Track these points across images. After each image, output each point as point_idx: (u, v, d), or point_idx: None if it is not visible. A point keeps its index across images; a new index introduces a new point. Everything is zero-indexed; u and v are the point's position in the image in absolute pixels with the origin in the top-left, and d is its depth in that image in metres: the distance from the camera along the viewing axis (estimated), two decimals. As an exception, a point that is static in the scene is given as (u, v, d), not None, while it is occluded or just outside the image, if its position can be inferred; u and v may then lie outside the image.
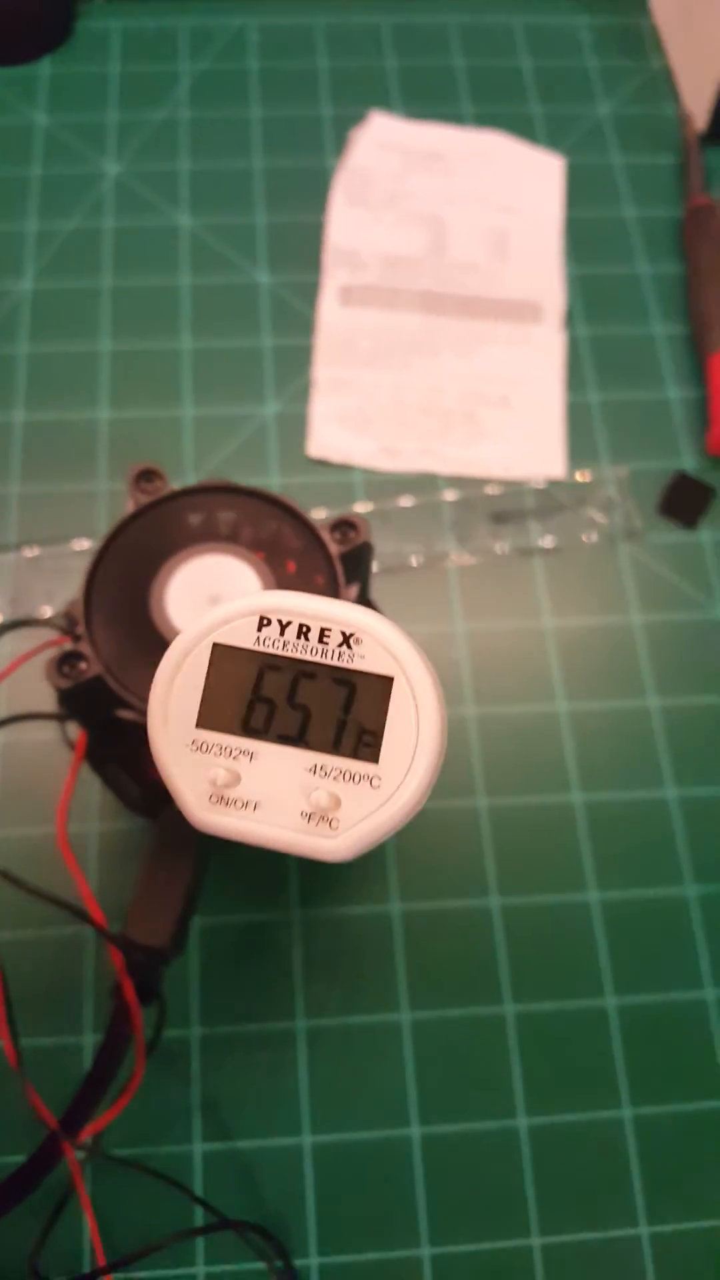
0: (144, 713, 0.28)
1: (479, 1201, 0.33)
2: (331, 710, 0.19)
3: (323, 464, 0.43)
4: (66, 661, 0.27)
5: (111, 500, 0.42)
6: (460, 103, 0.52)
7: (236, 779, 0.19)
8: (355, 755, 0.19)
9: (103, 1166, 0.33)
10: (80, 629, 0.28)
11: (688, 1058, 0.35)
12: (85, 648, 0.27)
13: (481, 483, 0.43)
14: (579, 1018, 0.35)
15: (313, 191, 0.49)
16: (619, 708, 0.40)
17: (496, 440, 0.44)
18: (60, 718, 0.32)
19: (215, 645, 0.20)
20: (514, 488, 0.43)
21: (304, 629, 0.19)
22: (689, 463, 0.44)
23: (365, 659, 0.19)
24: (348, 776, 0.19)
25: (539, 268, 0.48)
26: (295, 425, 0.44)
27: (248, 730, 0.20)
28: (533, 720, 0.39)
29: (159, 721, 0.20)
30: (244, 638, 0.20)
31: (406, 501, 0.42)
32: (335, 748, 0.19)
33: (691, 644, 0.41)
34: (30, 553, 0.40)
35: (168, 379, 0.45)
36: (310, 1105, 0.34)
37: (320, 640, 0.19)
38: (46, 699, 0.38)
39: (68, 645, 0.27)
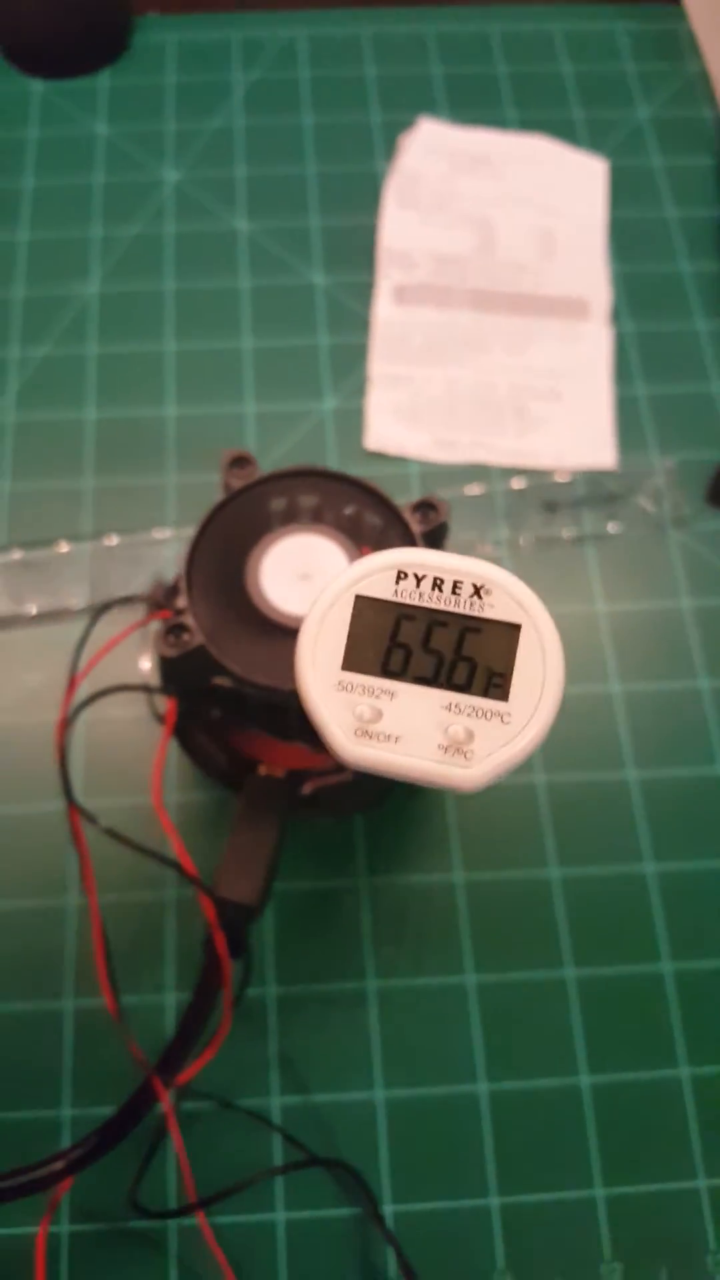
0: (241, 680, 0.31)
1: (544, 1154, 0.36)
2: (463, 654, 0.22)
3: (379, 456, 0.46)
4: (173, 632, 0.30)
5: (180, 492, 0.45)
6: (504, 108, 0.55)
7: (379, 715, 0.22)
8: (487, 694, 0.22)
9: (191, 1114, 0.36)
10: (183, 602, 0.31)
11: (742, 1019, 0.37)
12: (189, 619, 0.30)
13: (534, 473, 0.46)
14: (637, 982, 0.38)
15: (365, 195, 0.52)
16: (670, 689, 0.42)
17: (547, 432, 0.47)
18: (151, 690, 0.35)
19: (358, 597, 0.22)
20: (566, 477, 0.46)
21: (438, 581, 0.22)
22: (734, 453, 0.47)
23: (495, 608, 0.22)
24: (480, 713, 0.22)
25: (585, 266, 0.50)
26: (352, 420, 0.47)
27: (387, 672, 0.22)
28: (588, 701, 0.42)
29: (308, 664, 0.22)
30: (383, 589, 0.22)
31: (462, 491, 0.45)
32: (469, 688, 0.22)
33: (739, 626, 0.44)
34: (110, 541, 0.43)
35: (230, 377, 0.48)
36: (382, 1061, 0.37)
37: (453, 592, 0.22)
38: (131, 675, 0.41)
39: (171, 619, 0.30)
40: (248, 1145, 0.35)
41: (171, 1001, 0.37)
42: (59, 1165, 0.32)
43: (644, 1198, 0.35)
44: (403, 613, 0.22)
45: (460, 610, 0.22)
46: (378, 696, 0.22)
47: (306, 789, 0.36)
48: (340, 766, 0.36)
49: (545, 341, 0.49)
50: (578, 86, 0.56)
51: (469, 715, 0.22)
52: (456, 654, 0.22)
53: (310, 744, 0.34)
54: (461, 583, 0.22)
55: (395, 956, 0.38)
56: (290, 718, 0.33)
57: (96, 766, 0.40)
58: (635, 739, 0.41)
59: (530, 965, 0.38)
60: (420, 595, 0.22)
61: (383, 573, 0.23)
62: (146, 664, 0.41)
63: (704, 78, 0.56)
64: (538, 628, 0.22)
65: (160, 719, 0.36)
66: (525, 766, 0.41)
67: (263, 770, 0.36)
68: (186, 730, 0.37)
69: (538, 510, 0.45)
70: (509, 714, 0.22)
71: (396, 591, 0.22)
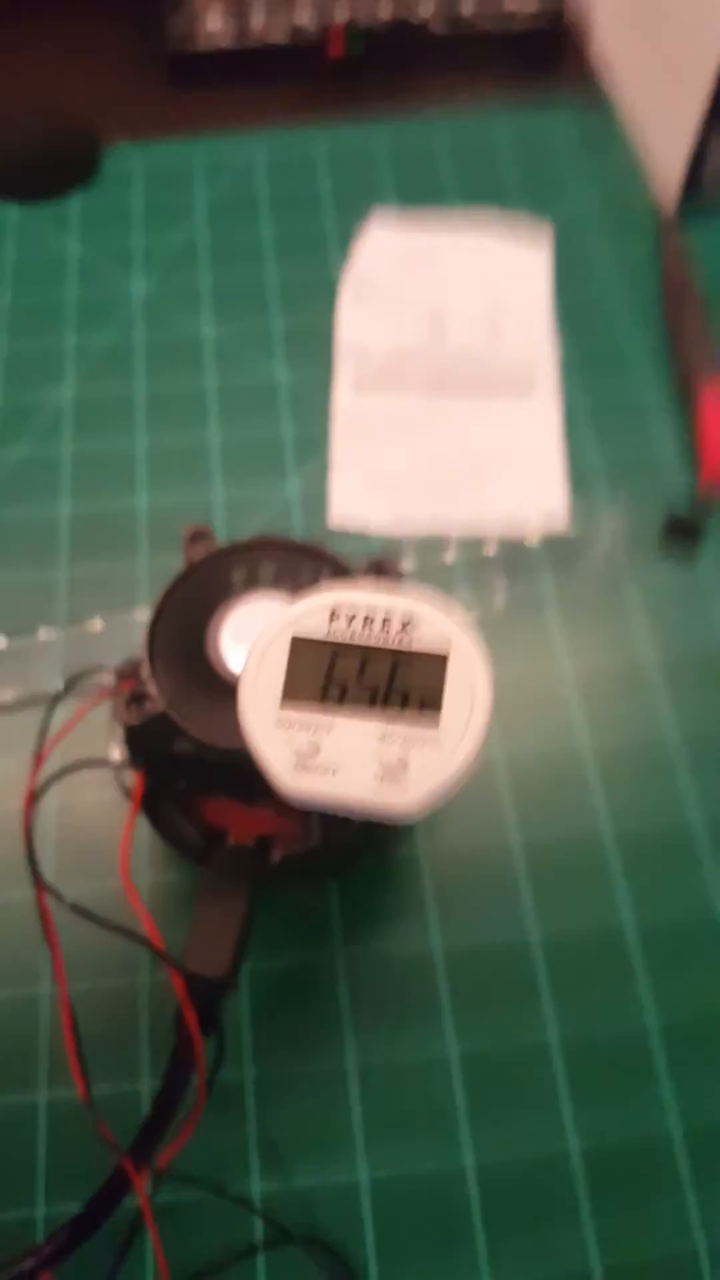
0: (202, 744, 0.32)
1: (535, 1231, 0.35)
2: (396, 685, 0.23)
3: (343, 533, 0.48)
4: (135, 701, 0.31)
5: (153, 576, 0.47)
6: (451, 203, 0.59)
7: (317, 749, 0.23)
8: (418, 723, 0.23)
9: (167, 1205, 0.35)
10: (145, 671, 0.32)
11: (735, 1076, 0.37)
12: (150, 688, 0.31)
13: (490, 540, 0.48)
14: (621, 1043, 0.37)
15: (322, 295, 0.56)
16: (639, 739, 0.43)
17: (502, 500, 0.48)
18: (118, 766, 0.35)
19: (294, 638, 0.24)
20: (521, 542, 0.47)
21: (368, 619, 0.24)
22: (681, 505, 0.48)
23: (422, 640, 0.24)
24: (413, 740, 0.23)
25: (531, 343, 0.53)
26: (316, 501, 0.49)
27: (324, 708, 0.24)
28: (557, 757, 0.43)
29: (248, 703, 0.24)
30: (317, 630, 0.24)
31: (423, 562, 0.47)
32: (401, 717, 0.23)
33: (705, 674, 0.44)
34: (94, 627, 0.45)
35: (199, 467, 0.50)
36: (365, 1140, 0.36)
37: (383, 627, 0.24)
38: (101, 756, 0.42)
39: (133, 689, 0.31)
40: (228, 1233, 0.35)
41: (147, 1089, 0.37)
42: (29, 1264, 0.32)
43: (638, 1267, 0.34)
44: (337, 650, 0.24)
45: (390, 645, 0.24)
46: (315, 731, 0.23)
47: (275, 856, 0.36)
48: (309, 832, 0.36)
49: (497, 415, 0.51)
50: (520, 177, 0.60)
51: (402, 743, 0.23)
52: (389, 686, 0.24)
53: (276, 807, 0.34)
54: (391, 618, 0.24)
55: (374, 1030, 0.38)
56: (254, 782, 0.33)
57: (66, 850, 0.41)
58: (608, 793, 0.42)
59: (513, 1029, 0.37)
60: (353, 633, 0.24)
61: (317, 613, 0.24)
62: (116, 754, 0.42)
63: (638, 166, 0.60)
64: (463, 655, 0.23)
65: (129, 795, 0.37)
66: (498, 826, 0.41)
67: (231, 840, 0.36)
68: (155, 806, 0.38)
69: (498, 574, 0.47)
70: (440, 739, 0.23)
71: (330, 631, 0.24)
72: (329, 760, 0.24)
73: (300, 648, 0.24)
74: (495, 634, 0.46)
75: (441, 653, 0.24)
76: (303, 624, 0.24)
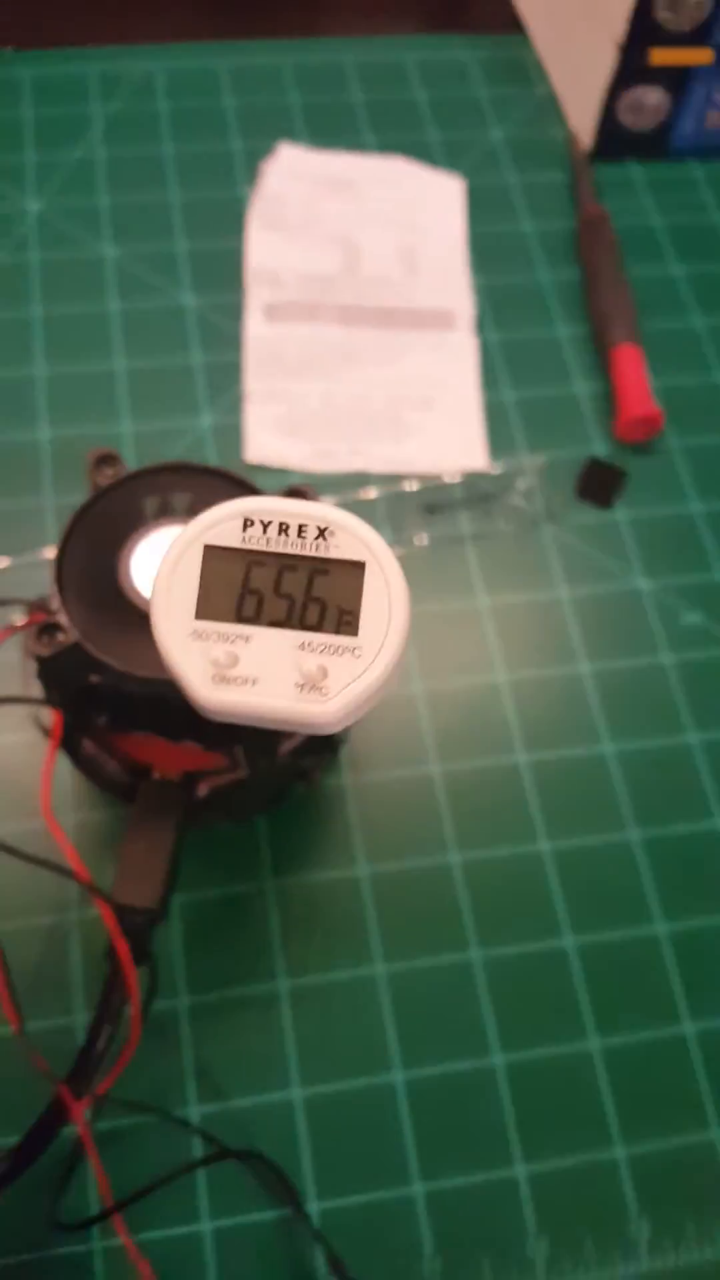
0: (120, 674, 0.32)
1: (464, 1137, 0.37)
2: (313, 595, 0.24)
3: (260, 469, 0.48)
4: (45, 632, 0.31)
5: (59, 513, 0.46)
6: (362, 134, 0.58)
7: (235, 660, 0.23)
8: (338, 631, 0.24)
9: (107, 1133, 0.36)
10: (55, 602, 0.31)
11: (644, 987, 0.40)
12: (61, 618, 0.31)
13: (410, 478, 0.48)
14: (541, 959, 0.40)
15: (229, 219, 0.54)
16: (554, 674, 0.45)
17: (421, 438, 0.49)
18: (32, 701, 0.35)
19: (206, 546, 0.24)
20: (441, 481, 0.48)
21: (284, 526, 0.24)
22: (600, 449, 0.50)
23: (340, 548, 0.24)
24: (332, 649, 0.24)
25: (448, 280, 0.54)
26: (231, 435, 0.49)
27: (241, 618, 0.24)
28: (475, 692, 0.44)
29: (162, 615, 0.24)
30: (231, 538, 0.24)
31: (342, 499, 0.47)
32: (320, 627, 0.24)
33: (615, 612, 0.46)
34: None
35: (105, 398, 0.49)
36: (298, 1060, 0.37)
37: (299, 535, 0.24)
38: (14, 688, 0.41)
39: (43, 620, 0.31)
40: (169, 1156, 0.36)
41: (81, 1023, 0.37)
42: (-29, 1196, 0.32)
43: (564, 1171, 0.37)
44: (253, 559, 0.24)
45: (308, 553, 0.24)
46: (233, 642, 0.24)
47: (201, 790, 0.37)
48: (234, 764, 0.37)
49: (414, 352, 0.51)
50: (432, 111, 0.59)
51: (321, 653, 0.24)
52: (307, 595, 0.24)
53: (201, 741, 0.35)
54: (307, 526, 0.24)
55: (304, 954, 0.39)
56: (175, 714, 0.34)
57: (-13, 791, 0.40)
58: (523, 724, 0.44)
59: (437, 950, 0.39)
60: (268, 541, 0.24)
61: (230, 521, 0.24)
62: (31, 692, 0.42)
63: (552, 99, 0.60)
64: (381, 564, 0.24)
65: (47, 734, 0.37)
66: (419, 757, 0.43)
67: (156, 774, 0.36)
68: (75, 743, 0.38)
69: (418, 514, 0.48)
70: (359, 648, 0.24)
71: (244, 539, 0.24)
72: (248, 671, 0.24)
73: (214, 557, 0.24)
74: (415, 572, 0.47)
75: (359, 559, 0.24)
76: (216, 532, 0.24)
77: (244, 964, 0.39)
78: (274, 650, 0.24)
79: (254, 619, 0.24)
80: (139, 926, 0.34)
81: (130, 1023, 0.33)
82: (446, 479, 0.48)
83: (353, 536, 0.24)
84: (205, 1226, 0.35)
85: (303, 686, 0.23)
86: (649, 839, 0.42)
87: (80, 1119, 0.33)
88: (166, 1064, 0.37)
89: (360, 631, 0.24)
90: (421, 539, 0.47)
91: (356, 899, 0.40)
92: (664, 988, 0.39)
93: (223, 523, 0.24)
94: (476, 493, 0.48)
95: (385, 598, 0.24)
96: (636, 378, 0.50)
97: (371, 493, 0.48)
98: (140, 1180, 0.34)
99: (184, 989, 0.38)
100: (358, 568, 0.24)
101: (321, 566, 0.24)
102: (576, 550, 0.48)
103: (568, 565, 0.47)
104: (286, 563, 0.24)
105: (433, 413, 0.50)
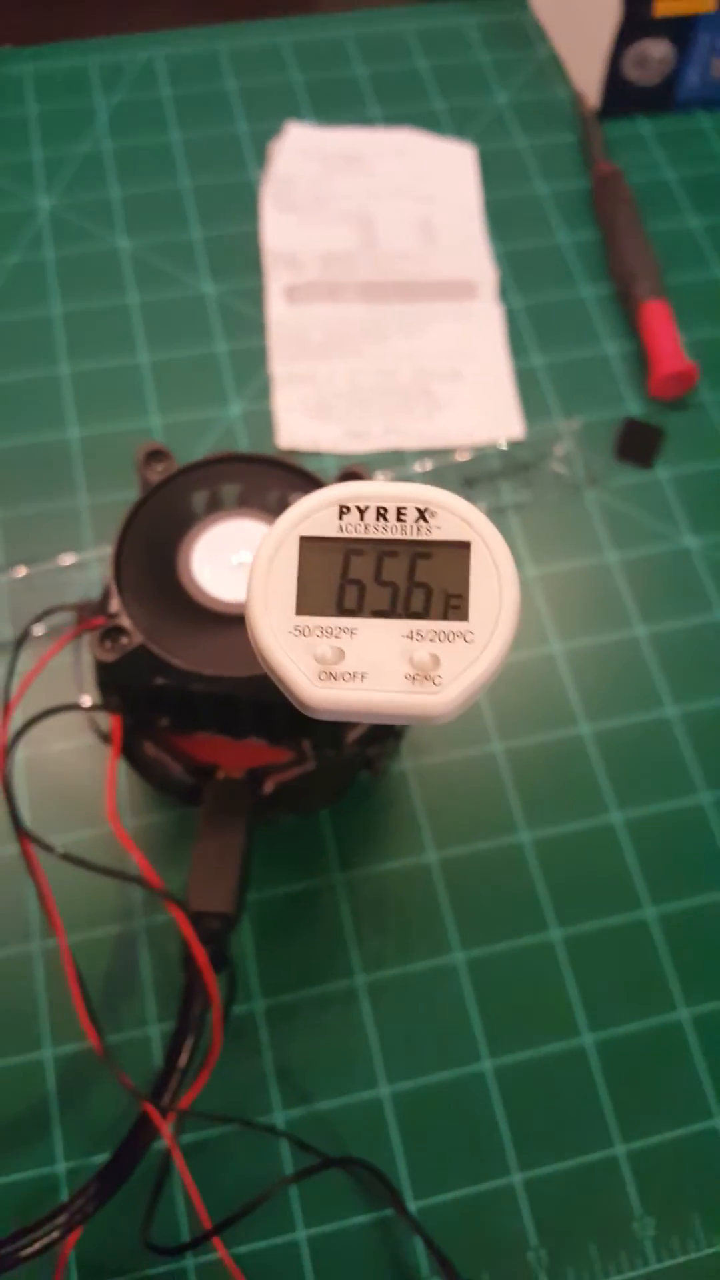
0: (186, 674, 0.29)
1: (559, 1121, 0.34)
2: (418, 580, 0.21)
3: (294, 454, 0.45)
4: (109, 636, 0.28)
5: (94, 513, 0.43)
6: (367, 107, 0.55)
7: (341, 655, 0.21)
8: (446, 616, 0.21)
9: (194, 1145, 0.33)
10: (115, 605, 0.29)
11: (730, 954, 0.37)
12: (124, 621, 0.28)
13: (447, 452, 0.45)
14: (622, 932, 0.37)
15: (242, 203, 0.51)
16: (610, 640, 0.42)
17: (454, 411, 0.46)
18: (93, 709, 0.32)
19: (303, 538, 0.21)
20: (478, 452, 0.45)
21: (381, 510, 0.21)
22: (635, 408, 0.46)
23: (442, 529, 0.21)
24: (442, 636, 0.21)
25: (467, 248, 0.50)
26: (261, 421, 0.45)
27: (343, 610, 0.21)
28: (533, 664, 0.41)
29: (260, 612, 0.21)
30: (327, 527, 0.21)
31: (380, 478, 0.44)
32: (427, 613, 0.21)
33: (665, 573, 0.43)
34: (19, 573, 0.41)
35: (131, 393, 0.46)
36: (383, 1056, 0.35)
37: (398, 519, 0.21)
38: (68, 697, 0.39)
39: (106, 624, 0.28)
40: (258, 1165, 0.33)
41: (156, 1034, 0.35)
42: (61, 1219, 0.29)
43: (665, 1147, 0.34)
44: (351, 548, 0.21)
45: (408, 537, 0.21)
46: (337, 636, 0.21)
47: (268, 787, 0.34)
48: (301, 758, 0.34)
49: (439, 324, 0.48)
50: (435, 80, 0.56)
51: (431, 640, 0.21)
52: (411, 581, 0.21)
53: (266, 737, 0.32)
54: (405, 509, 0.21)
55: (380, 947, 0.36)
56: (242, 711, 0.31)
57: (44, 802, 0.38)
58: (583, 694, 0.40)
59: (515, 933, 0.36)
60: (366, 527, 0.21)
61: (325, 510, 0.21)
62: (86, 700, 0.39)
63: (554, 60, 0.56)
64: (487, 543, 0.21)
65: (106, 739, 0.34)
66: (481, 736, 0.39)
67: (221, 774, 0.34)
68: (135, 746, 0.35)
69: (457, 487, 0.44)
70: (471, 633, 0.21)
71: (341, 527, 0.21)
72: (354, 666, 0.21)
73: (310, 548, 0.21)
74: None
75: (464, 540, 0.21)
76: (311, 522, 0.21)
77: (318, 961, 0.36)
78: (381, 642, 0.21)
79: (357, 610, 0.21)
80: (216, 933, 0.31)
81: (212, 1031, 0.31)
82: (483, 450, 0.45)
83: (455, 516, 0.21)
84: (301, 1235, 0.32)
85: (414, 678, 0.20)
86: (720, 803, 0.39)
87: (168, 1135, 0.31)
88: (248, 1069, 0.34)
89: (470, 615, 0.21)
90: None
91: (428, 886, 0.37)
92: (749, 954, 0.37)
93: (318, 512, 0.21)
94: (514, 462, 0.45)
95: (494, 577, 0.21)
96: (667, 334, 0.46)
97: (408, 469, 0.44)
98: (232, 1190, 0.32)
99: (259, 991, 0.35)
100: (463, 548, 0.21)
101: (424, 550, 0.21)
102: (620, 513, 0.44)
103: (613, 529, 0.44)
104: (386, 549, 0.21)
105: (463, 384, 0.46)
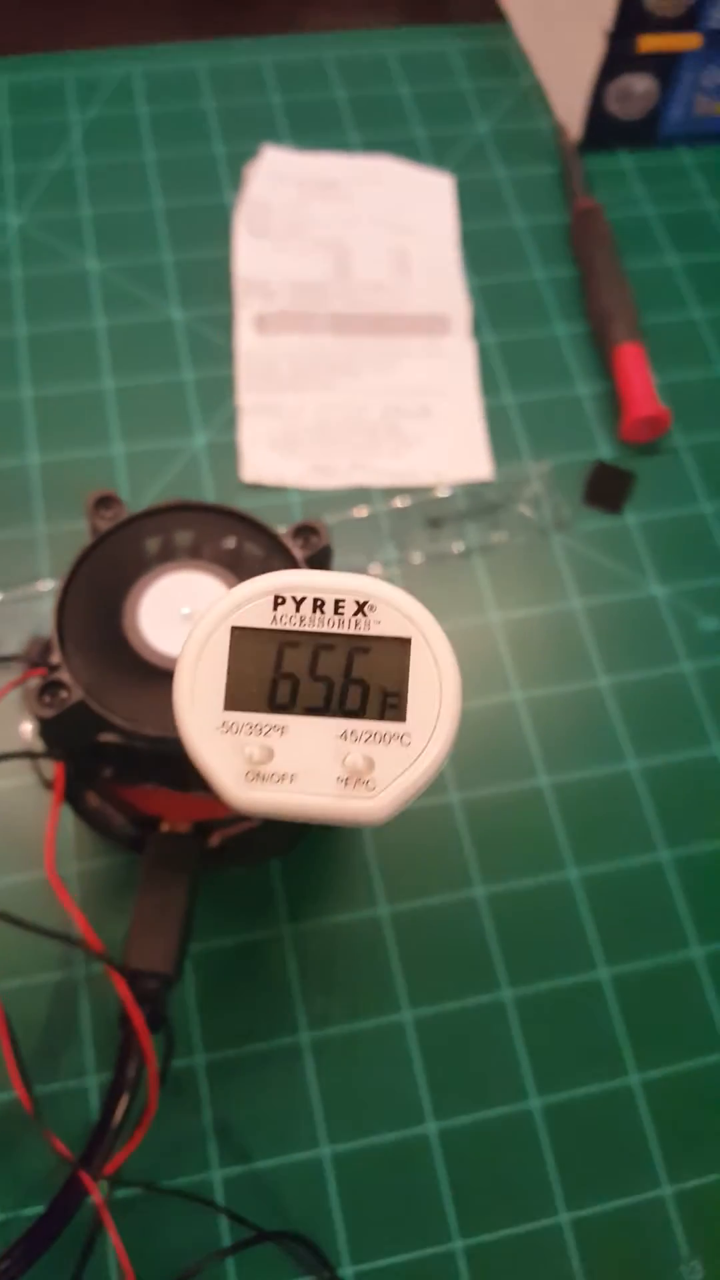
0: (128, 733, 0.28)
1: (504, 1187, 0.33)
2: (354, 677, 0.20)
3: (258, 488, 0.44)
4: (47, 691, 0.27)
5: (52, 543, 0.42)
6: (346, 132, 0.54)
7: (270, 754, 0.20)
8: (383, 716, 0.20)
9: (126, 1204, 0.32)
10: (56, 658, 0.27)
11: (684, 1016, 0.36)
12: (64, 675, 0.27)
13: (413, 491, 0.44)
14: (576, 993, 0.36)
15: (215, 227, 0.50)
16: (571, 690, 0.41)
17: (422, 449, 0.45)
18: (34, 755, 0.31)
19: (234, 628, 0.20)
20: (445, 492, 0.44)
21: (318, 603, 0.20)
22: (606, 452, 0.46)
23: (381, 624, 0.20)
24: (378, 738, 0.20)
25: (442, 281, 0.49)
26: (226, 453, 0.44)
27: (275, 707, 0.20)
28: (491, 712, 0.40)
29: (186, 707, 0.20)
30: (261, 618, 0.20)
31: (345, 516, 0.43)
32: (363, 712, 0.20)
33: (631, 621, 0.42)
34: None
35: (94, 419, 0.44)
36: (325, 1116, 0.34)
37: (335, 612, 0.20)
38: (13, 743, 0.38)
39: (46, 676, 0.27)
40: (192, 1229, 0.32)
41: (94, 1085, 0.34)
42: (-16, 1284, 0.28)
43: (611, 1215, 0.33)
44: (285, 640, 0.20)
45: (345, 630, 0.20)
46: (267, 734, 0.20)
47: (214, 840, 0.33)
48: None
49: (411, 359, 0.47)
50: (417, 106, 0.55)
51: (366, 741, 0.20)
52: (346, 678, 0.20)
53: (212, 793, 0.31)
54: (344, 601, 0.20)
55: (326, 1004, 0.35)
56: (187, 767, 0.30)
57: (-13, 843, 0.36)
58: (543, 744, 0.40)
59: (466, 992, 0.36)
60: (301, 619, 0.20)
61: (259, 600, 0.20)
62: (29, 732, 0.38)
63: (537, 90, 0.56)
64: (427, 639, 0.20)
65: (49, 786, 0.33)
66: (438, 787, 0.39)
67: (165, 827, 0.33)
68: (79, 794, 0.34)
69: (422, 528, 0.43)
70: (408, 734, 0.20)
71: (275, 618, 0.20)
72: (285, 766, 0.20)
73: (242, 639, 0.20)
74: (422, 588, 0.43)
75: (404, 635, 0.20)
76: (244, 612, 0.20)
77: (263, 1016, 0.35)
78: (313, 741, 0.20)
79: (289, 707, 0.20)
80: (154, 993, 0.30)
81: (148, 1090, 0.30)
82: (450, 490, 0.44)
83: (395, 610, 0.20)
84: (236, 1301, 0.31)
85: (347, 780, 0.19)
86: (681, 858, 0.38)
87: (99, 1198, 0.29)
88: (186, 1125, 0.33)
89: (408, 715, 0.20)
90: (427, 553, 0.43)
91: (378, 940, 0.36)
92: (704, 1014, 0.36)
93: (251, 601, 0.20)
94: (481, 503, 0.44)
95: (434, 675, 0.20)
96: (640, 377, 0.46)
97: (373, 507, 0.43)
98: (162, 1254, 0.31)
99: (200, 1046, 0.34)
100: (402, 644, 0.20)
101: (362, 644, 0.20)
102: (587, 558, 0.43)
103: (579, 574, 0.43)
104: (323, 642, 0.20)
105: (432, 421, 0.46)
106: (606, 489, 0.45)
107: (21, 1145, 0.33)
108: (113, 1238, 0.30)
